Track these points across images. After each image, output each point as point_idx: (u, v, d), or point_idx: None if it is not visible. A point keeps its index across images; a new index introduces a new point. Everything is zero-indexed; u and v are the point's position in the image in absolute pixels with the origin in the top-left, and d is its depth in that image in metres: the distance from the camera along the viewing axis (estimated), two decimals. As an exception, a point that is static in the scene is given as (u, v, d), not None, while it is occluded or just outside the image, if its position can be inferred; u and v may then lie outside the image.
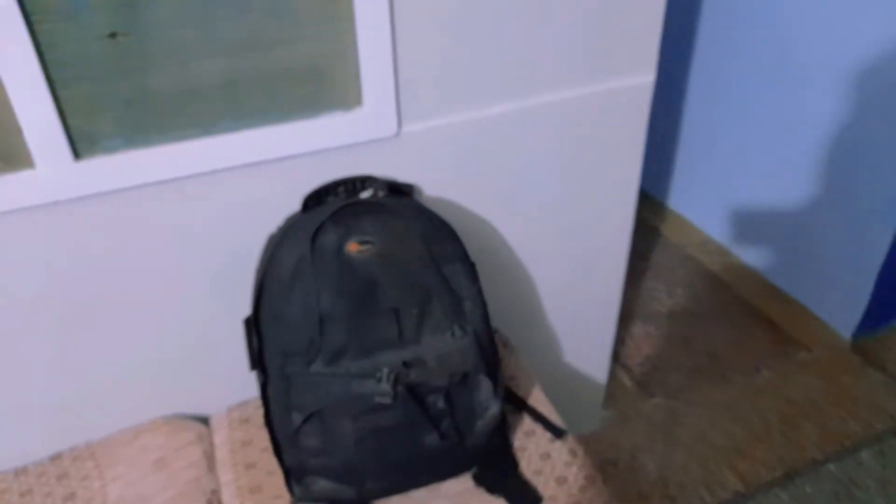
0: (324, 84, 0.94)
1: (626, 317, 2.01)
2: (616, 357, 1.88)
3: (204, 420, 1.14)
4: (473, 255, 1.18)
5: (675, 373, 1.83)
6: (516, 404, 1.10)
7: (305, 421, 0.85)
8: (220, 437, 1.09)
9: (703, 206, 2.35)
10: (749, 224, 2.16)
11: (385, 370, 0.85)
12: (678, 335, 1.96)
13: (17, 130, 0.82)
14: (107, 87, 0.84)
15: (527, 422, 1.08)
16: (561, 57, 1.07)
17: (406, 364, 0.87)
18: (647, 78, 1.15)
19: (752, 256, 2.18)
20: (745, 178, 2.11)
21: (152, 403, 1.11)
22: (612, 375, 1.81)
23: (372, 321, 0.87)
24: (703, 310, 2.05)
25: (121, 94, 0.85)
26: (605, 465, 1.59)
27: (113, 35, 0.80)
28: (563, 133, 1.15)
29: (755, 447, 1.62)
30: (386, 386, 0.84)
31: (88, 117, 0.85)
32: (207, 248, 0.99)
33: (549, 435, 1.06)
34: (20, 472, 1.03)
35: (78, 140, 0.85)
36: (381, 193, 0.95)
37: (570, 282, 1.34)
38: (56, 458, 1.05)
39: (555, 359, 1.46)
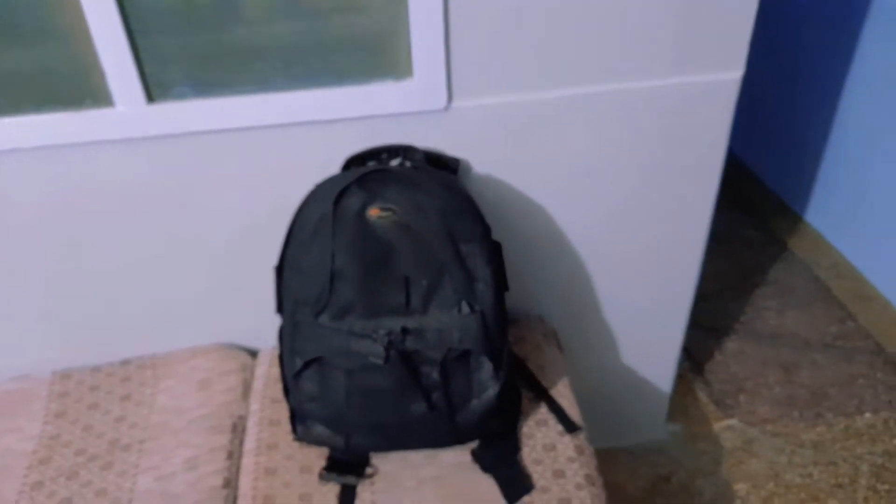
0: (376, 52, 0.97)
1: (721, 330, 1.88)
2: (699, 370, 1.77)
3: (254, 353, 1.25)
4: (524, 238, 1.18)
5: (762, 399, 1.69)
6: (536, 392, 1.09)
7: (305, 367, 0.91)
8: (261, 370, 1.19)
9: (843, 224, 2.10)
10: (894, 253, 1.91)
11: (382, 332, 0.89)
12: (777, 360, 1.79)
13: (101, 73, 0.94)
14: (179, 40, 0.93)
15: (542, 412, 1.07)
16: (638, 43, 1.02)
17: (405, 330, 0.89)
18: (733, 74, 1.06)
19: (890, 288, 1.93)
20: None
21: (212, 330, 1.23)
22: (689, 389, 1.71)
23: (382, 285, 0.91)
24: (814, 338, 1.85)
25: (191, 46, 0.94)
26: (658, 479, 1.52)
27: (182, -7, 0.89)
28: (632, 125, 1.09)
29: (834, 494, 1.46)
30: (379, 347, 0.88)
31: (162, 65, 0.95)
32: (257, 197, 1.07)
33: (560, 428, 1.04)
34: (95, 370, 1.19)
35: (152, 85, 0.96)
36: (408, 164, 0.97)
37: (631, 282, 1.28)
38: (125, 363, 1.20)
39: (612, 359, 1.41)
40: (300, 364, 0.91)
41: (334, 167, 1.04)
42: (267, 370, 1.18)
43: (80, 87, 0.96)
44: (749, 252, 2.21)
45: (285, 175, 1.05)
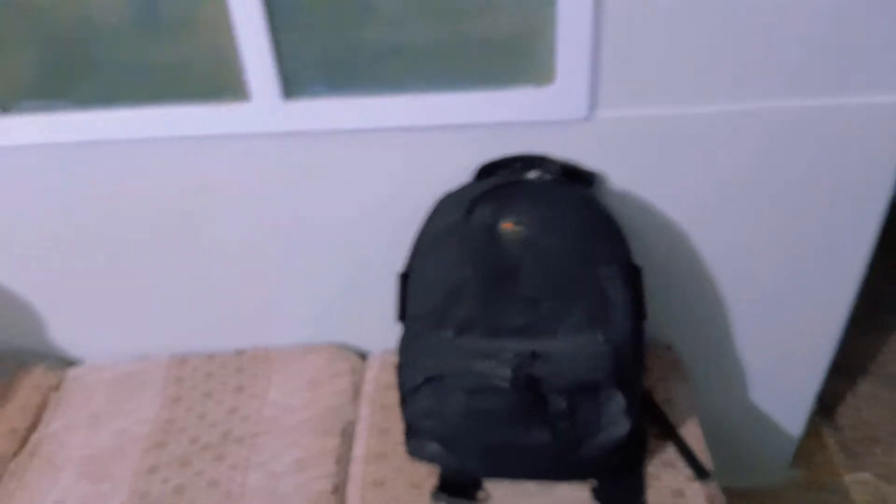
0: (518, 57, 0.92)
1: (852, 371, 1.71)
2: (828, 413, 1.61)
3: (364, 355, 1.23)
4: (659, 260, 1.10)
5: (901, 452, 1.52)
6: (663, 430, 1.01)
7: (423, 382, 0.87)
8: (371, 374, 1.16)
9: None
10: None
11: (510, 354, 0.83)
12: (919, 409, 1.62)
13: (240, 68, 0.93)
14: (319, 37, 0.92)
15: (669, 452, 0.99)
16: (794, 60, 0.91)
17: (534, 355, 0.84)
18: (906, 96, 0.94)
19: None
20: None
21: (324, 328, 1.22)
22: (815, 432, 1.56)
23: (506, 304, 0.85)
24: (964, 388, 1.66)
25: (328, 44, 0.92)
26: (776, 527, 1.39)
27: (329, -11, 0.87)
28: (788, 147, 0.99)
29: None
30: (507, 370, 0.83)
31: (300, 62, 0.94)
32: (384, 199, 1.05)
33: (689, 472, 0.96)
34: (211, 357, 1.21)
35: (289, 81, 0.95)
36: (547, 176, 0.91)
37: (771, 316, 1.17)
38: (240, 352, 1.21)
39: (740, 395, 1.30)
40: (420, 379, 0.87)
41: (465, 174, 1.00)
42: (377, 374, 1.15)
43: (219, 81, 0.96)
44: (885, 284, 2.01)
45: (414, 179, 1.02)
